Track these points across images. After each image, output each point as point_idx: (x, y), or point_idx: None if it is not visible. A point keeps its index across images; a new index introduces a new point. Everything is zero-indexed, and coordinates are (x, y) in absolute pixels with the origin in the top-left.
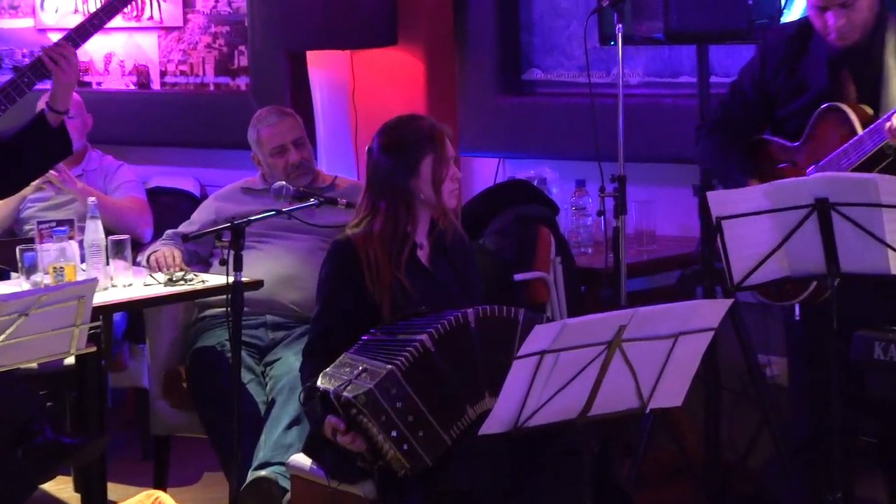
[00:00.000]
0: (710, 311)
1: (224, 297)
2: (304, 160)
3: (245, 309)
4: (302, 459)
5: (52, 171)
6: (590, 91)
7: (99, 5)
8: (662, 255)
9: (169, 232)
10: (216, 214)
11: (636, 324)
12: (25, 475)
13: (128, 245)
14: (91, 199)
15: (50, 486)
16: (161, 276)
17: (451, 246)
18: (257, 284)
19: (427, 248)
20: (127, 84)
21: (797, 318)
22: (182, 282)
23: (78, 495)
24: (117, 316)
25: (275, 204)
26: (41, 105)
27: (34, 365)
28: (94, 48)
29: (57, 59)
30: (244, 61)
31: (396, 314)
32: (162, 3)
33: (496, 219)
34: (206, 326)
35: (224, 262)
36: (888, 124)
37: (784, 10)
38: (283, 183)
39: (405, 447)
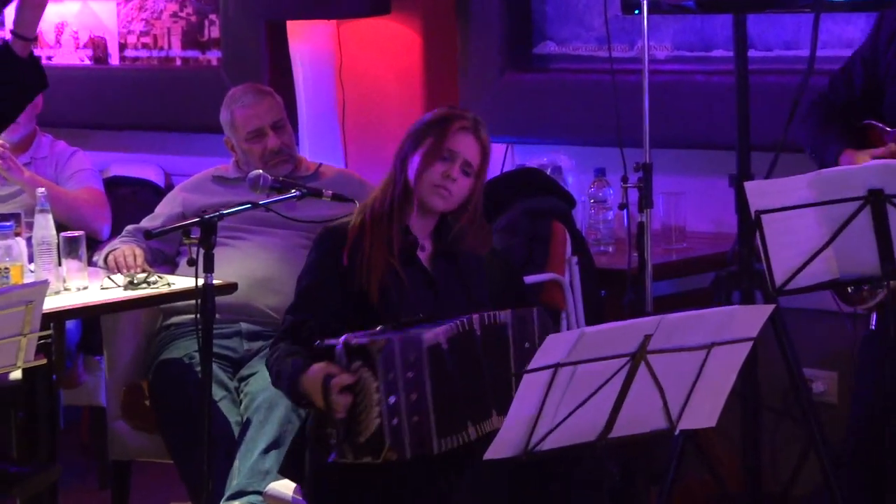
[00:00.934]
0: (749, 319)
1: (193, 302)
2: (283, 145)
3: (217, 316)
4: (281, 487)
5: None
6: (611, 67)
7: None
8: (693, 254)
9: (129, 228)
10: (183, 207)
11: (664, 333)
12: None
13: (82, 243)
14: (40, 191)
15: None
16: (120, 279)
17: (463, 254)
18: (231, 288)
19: (429, 249)
20: (81, 58)
21: (872, 327)
22: (144, 285)
23: None
24: (70, 324)
25: (250, 195)
26: (2, 34)
27: None
28: (44, 17)
29: None
30: (216, 32)
31: (389, 322)
32: None
33: (503, 213)
34: (172, 336)
35: (192, 263)
36: None
37: None
38: (261, 171)
39: (395, 422)
